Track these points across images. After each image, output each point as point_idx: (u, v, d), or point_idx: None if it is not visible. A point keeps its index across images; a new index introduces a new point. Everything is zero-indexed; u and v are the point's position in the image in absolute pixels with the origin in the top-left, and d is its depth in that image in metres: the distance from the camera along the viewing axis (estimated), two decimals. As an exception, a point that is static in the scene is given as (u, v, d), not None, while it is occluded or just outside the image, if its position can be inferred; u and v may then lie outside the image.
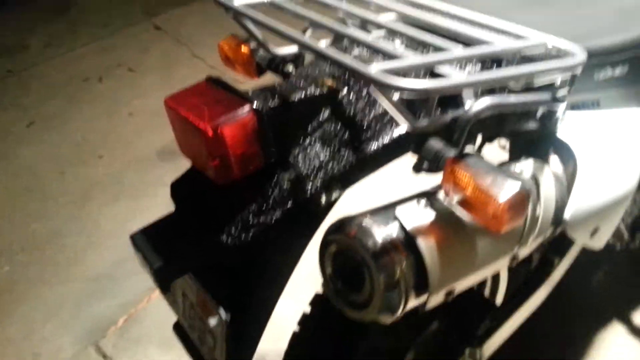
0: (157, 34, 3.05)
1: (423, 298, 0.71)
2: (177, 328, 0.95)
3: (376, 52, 0.72)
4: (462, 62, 0.76)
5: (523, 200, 0.63)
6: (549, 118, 0.90)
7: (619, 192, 0.97)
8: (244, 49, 0.95)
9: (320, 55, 0.68)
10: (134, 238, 0.75)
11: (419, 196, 0.74)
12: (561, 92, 0.77)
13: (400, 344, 1.09)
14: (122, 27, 3.09)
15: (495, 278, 1.19)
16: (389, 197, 0.78)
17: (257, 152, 0.69)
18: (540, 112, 0.89)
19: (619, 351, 1.50)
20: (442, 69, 0.70)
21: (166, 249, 0.72)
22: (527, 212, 0.73)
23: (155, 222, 0.77)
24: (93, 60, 2.84)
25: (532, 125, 0.89)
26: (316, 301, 0.94)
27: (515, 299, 1.18)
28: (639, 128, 1.05)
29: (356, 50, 0.85)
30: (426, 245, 0.68)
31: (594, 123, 0.98)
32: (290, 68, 0.92)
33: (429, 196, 0.73)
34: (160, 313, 1.74)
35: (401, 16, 0.85)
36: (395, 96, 0.73)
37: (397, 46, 0.81)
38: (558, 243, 1.14)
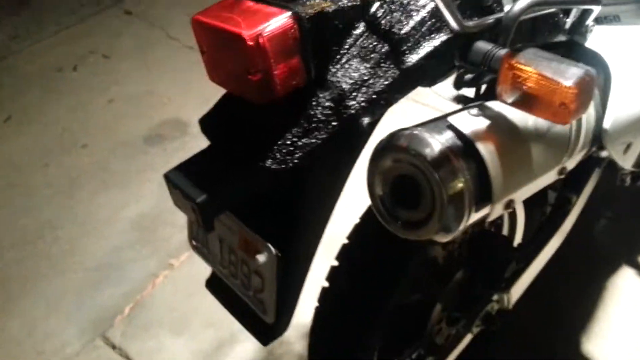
0: (128, 19, 2.94)
1: (486, 210, 0.67)
2: (211, 284, 0.89)
3: None
4: None
5: (591, 84, 0.59)
6: (578, 28, 0.88)
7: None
8: None
9: None
10: (168, 176, 0.69)
11: (468, 107, 0.70)
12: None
13: (427, 297, 1.06)
14: (90, 14, 2.97)
15: (513, 217, 1.17)
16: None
17: (299, 66, 0.63)
18: (569, 22, 0.86)
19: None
20: None
21: (208, 182, 0.66)
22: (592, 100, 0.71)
23: (190, 158, 0.72)
24: (64, 49, 2.72)
25: (561, 36, 0.86)
26: (354, 233, 0.90)
27: (538, 238, 1.16)
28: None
29: None
30: (487, 150, 0.64)
31: (619, 36, 0.96)
32: None
33: (480, 104, 0.70)
34: (167, 297, 1.68)
35: None
36: None
37: None
38: (575, 179, 1.13)
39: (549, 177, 0.76)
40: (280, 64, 0.61)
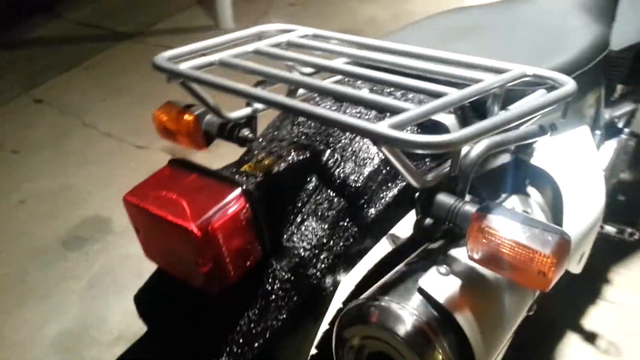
0: (38, 108, 2.76)
1: None
2: None
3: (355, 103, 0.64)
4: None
5: (567, 248, 0.56)
6: (524, 148, 0.87)
7: (596, 212, 0.95)
8: (188, 116, 0.82)
9: (308, 116, 0.58)
10: None
11: (431, 260, 0.66)
12: (552, 121, 0.74)
13: None
14: (-5, 106, 2.77)
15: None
16: (389, 263, 0.69)
17: (253, 245, 0.57)
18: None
19: None
20: (438, 116, 0.63)
21: None
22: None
23: (129, 349, 0.61)
24: (-33, 147, 2.51)
25: (507, 156, 0.85)
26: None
27: None
28: (592, 144, 1.06)
29: (326, 103, 0.76)
30: (464, 318, 0.59)
31: (558, 147, 0.96)
32: (246, 132, 0.81)
33: (448, 259, 0.65)
34: None
35: (356, 60, 0.79)
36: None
37: (383, 96, 0.73)
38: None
39: (522, 316, 0.72)
40: (232, 249, 0.54)
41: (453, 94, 0.59)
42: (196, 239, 0.51)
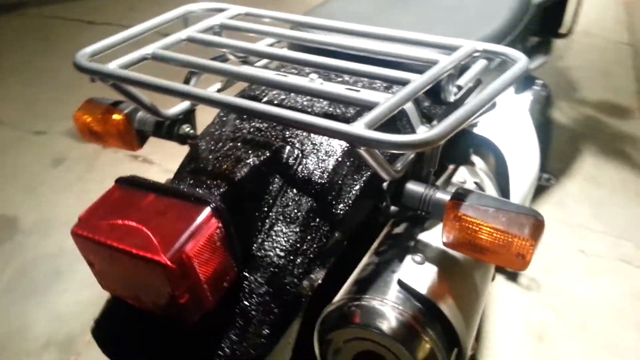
0: None
1: (455, 356, 0.63)
2: None
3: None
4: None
5: (542, 227, 0.57)
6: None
7: (535, 170, 0.99)
8: (118, 116, 0.74)
9: (265, 117, 0.53)
10: None
11: (403, 248, 0.64)
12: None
13: None
14: None
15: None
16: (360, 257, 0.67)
17: (228, 263, 0.52)
18: None
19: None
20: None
21: None
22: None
23: None
24: None
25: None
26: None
27: None
28: (522, 104, 1.10)
29: (272, 93, 0.71)
30: (446, 304, 0.59)
31: (494, 113, 0.98)
32: (186, 129, 0.74)
33: (420, 246, 0.64)
34: None
35: (298, 42, 0.74)
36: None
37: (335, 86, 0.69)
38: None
39: (488, 290, 0.74)
40: (209, 274, 0.49)
41: (416, 81, 0.56)
42: (171, 271, 0.45)
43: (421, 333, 0.57)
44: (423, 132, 0.48)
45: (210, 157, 0.62)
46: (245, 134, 0.65)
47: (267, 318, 0.56)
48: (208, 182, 0.57)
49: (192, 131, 0.74)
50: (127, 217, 0.49)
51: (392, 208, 0.68)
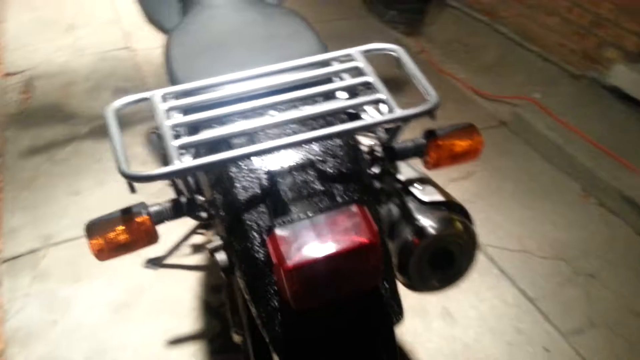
0: None
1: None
2: None
3: None
4: None
5: (475, 128, 0.94)
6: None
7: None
8: (140, 217, 0.81)
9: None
10: None
11: (406, 191, 0.93)
12: None
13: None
14: None
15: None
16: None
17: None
18: None
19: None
20: None
21: None
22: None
23: None
24: None
25: None
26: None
27: None
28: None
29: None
30: (456, 200, 0.92)
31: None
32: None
33: (413, 182, 0.93)
34: None
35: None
36: None
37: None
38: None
39: None
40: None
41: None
42: (376, 246, 0.66)
43: (471, 228, 0.88)
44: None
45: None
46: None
47: None
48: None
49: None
50: (313, 238, 0.66)
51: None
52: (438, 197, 0.89)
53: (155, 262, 1.82)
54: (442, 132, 0.91)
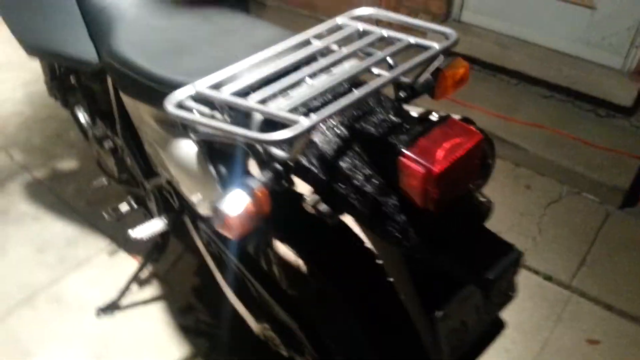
0: None
1: None
2: None
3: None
4: None
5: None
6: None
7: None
8: (262, 193, 0.80)
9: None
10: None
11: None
12: None
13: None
14: None
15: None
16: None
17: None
18: None
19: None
20: None
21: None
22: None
23: None
24: None
25: None
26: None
27: None
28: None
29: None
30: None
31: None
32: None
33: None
34: None
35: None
36: None
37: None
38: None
39: None
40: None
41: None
42: (488, 140, 0.80)
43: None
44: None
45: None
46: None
47: None
48: None
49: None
50: (440, 146, 0.76)
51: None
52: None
53: (110, 308, 1.68)
54: (443, 64, 1.05)
